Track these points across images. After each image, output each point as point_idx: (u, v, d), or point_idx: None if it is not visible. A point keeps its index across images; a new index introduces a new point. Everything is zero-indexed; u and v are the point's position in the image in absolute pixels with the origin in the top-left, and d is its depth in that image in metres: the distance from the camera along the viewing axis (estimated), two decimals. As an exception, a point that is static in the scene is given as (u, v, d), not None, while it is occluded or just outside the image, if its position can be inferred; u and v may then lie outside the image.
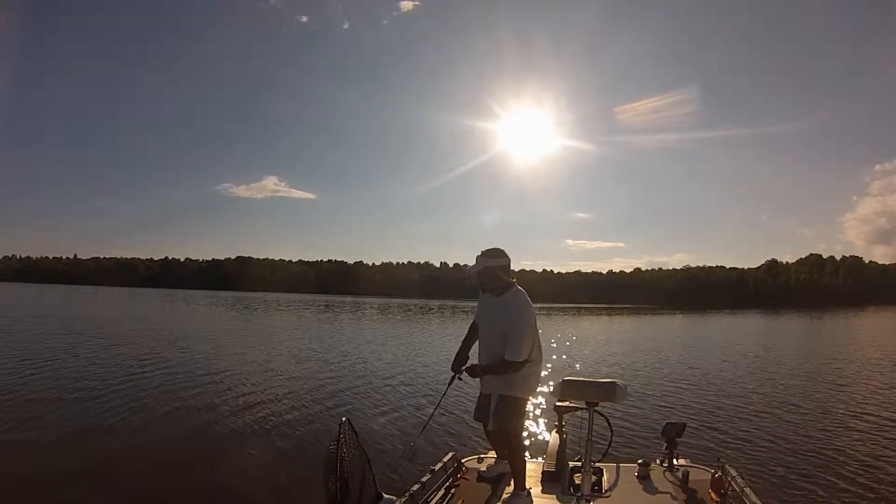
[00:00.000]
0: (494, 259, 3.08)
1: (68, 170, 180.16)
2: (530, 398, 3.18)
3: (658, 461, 3.52)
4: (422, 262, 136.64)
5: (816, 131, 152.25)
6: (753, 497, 2.85)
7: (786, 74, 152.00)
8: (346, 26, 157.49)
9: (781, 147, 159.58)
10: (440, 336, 23.63)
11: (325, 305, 53.89)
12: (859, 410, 9.07)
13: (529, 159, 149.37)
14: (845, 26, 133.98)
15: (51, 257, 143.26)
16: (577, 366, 14.15)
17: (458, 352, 3.21)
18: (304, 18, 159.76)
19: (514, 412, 3.04)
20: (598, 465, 3.34)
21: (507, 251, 3.12)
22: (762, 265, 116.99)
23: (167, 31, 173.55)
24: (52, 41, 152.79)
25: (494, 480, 3.22)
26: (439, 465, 3.26)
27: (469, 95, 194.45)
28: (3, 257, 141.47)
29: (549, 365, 12.67)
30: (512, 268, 3.14)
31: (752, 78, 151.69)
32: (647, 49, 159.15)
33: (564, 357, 15.72)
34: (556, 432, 3.58)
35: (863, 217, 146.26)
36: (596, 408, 2.93)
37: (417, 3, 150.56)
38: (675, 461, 3.49)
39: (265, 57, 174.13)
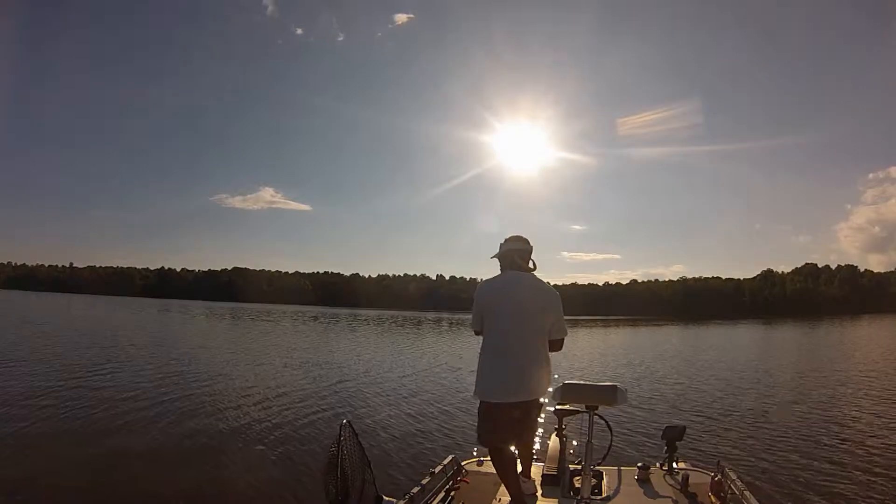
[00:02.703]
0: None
1: (65, 179, 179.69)
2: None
3: (658, 464, 3.51)
4: (418, 275, 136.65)
5: (810, 140, 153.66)
6: (753, 500, 2.84)
7: (782, 83, 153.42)
8: (340, 39, 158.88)
9: (775, 155, 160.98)
10: (436, 346, 23.59)
11: (323, 317, 53.73)
12: (857, 416, 9.09)
13: (525, 171, 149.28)
14: (841, 33, 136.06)
15: (46, 265, 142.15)
16: (577, 371, 14.12)
17: None
18: (300, 31, 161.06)
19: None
20: (598, 468, 3.33)
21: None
22: (758, 275, 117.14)
23: (163, 42, 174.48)
24: (51, 52, 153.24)
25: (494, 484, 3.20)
26: (439, 467, 3.24)
27: (465, 108, 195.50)
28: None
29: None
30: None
31: (749, 88, 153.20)
32: (643, 63, 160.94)
33: (563, 361, 15.68)
34: (557, 436, 3.57)
35: (857, 226, 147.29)
36: (596, 411, 2.93)
37: (412, 15, 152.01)
38: (674, 464, 3.48)
39: (261, 68, 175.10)
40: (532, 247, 3.09)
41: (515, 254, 3.03)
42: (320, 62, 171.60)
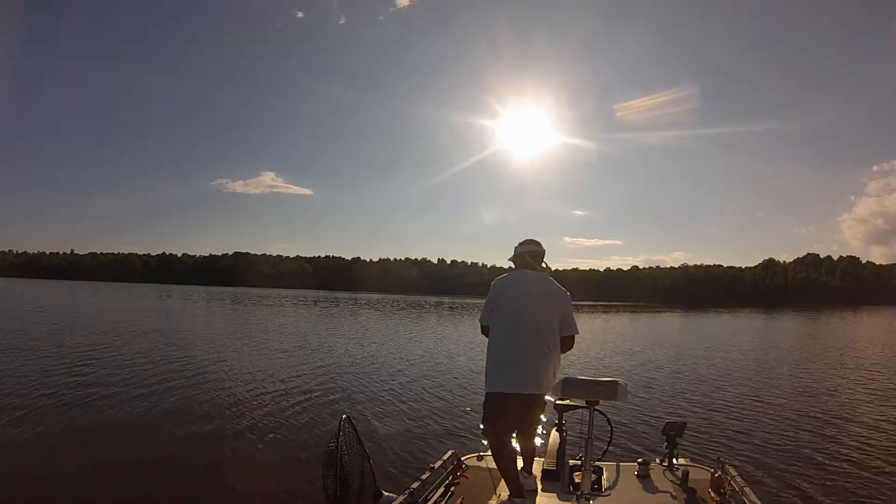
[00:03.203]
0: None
1: (66, 165, 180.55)
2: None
3: (658, 460, 3.51)
4: (420, 259, 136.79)
5: (815, 131, 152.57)
6: (753, 496, 2.84)
7: (785, 73, 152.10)
8: (342, 22, 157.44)
9: (780, 146, 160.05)
10: (437, 333, 23.66)
11: (324, 301, 53.90)
12: (858, 410, 9.11)
13: (527, 156, 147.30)
14: (845, 25, 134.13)
15: (48, 252, 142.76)
16: (575, 361, 14.15)
17: None
18: (300, 14, 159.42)
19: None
20: (598, 463, 3.33)
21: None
22: (759, 264, 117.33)
23: (164, 28, 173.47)
24: (53, 39, 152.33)
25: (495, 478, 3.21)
26: (439, 462, 3.24)
27: (467, 92, 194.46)
28: (0, 252, 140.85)
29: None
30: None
31: (752, 77, 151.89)
32: (647, 47, 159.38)
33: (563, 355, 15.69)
34: (556, 431, 3.57)
35: (860, 217, 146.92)
36: (597, 406, 2.91)
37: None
38: (674, 460, 3.48)
39: (262, 53, 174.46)
40: (545, 250, 3.24)
41: (528, 255, 3.19)
42: (321, 46, 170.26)
